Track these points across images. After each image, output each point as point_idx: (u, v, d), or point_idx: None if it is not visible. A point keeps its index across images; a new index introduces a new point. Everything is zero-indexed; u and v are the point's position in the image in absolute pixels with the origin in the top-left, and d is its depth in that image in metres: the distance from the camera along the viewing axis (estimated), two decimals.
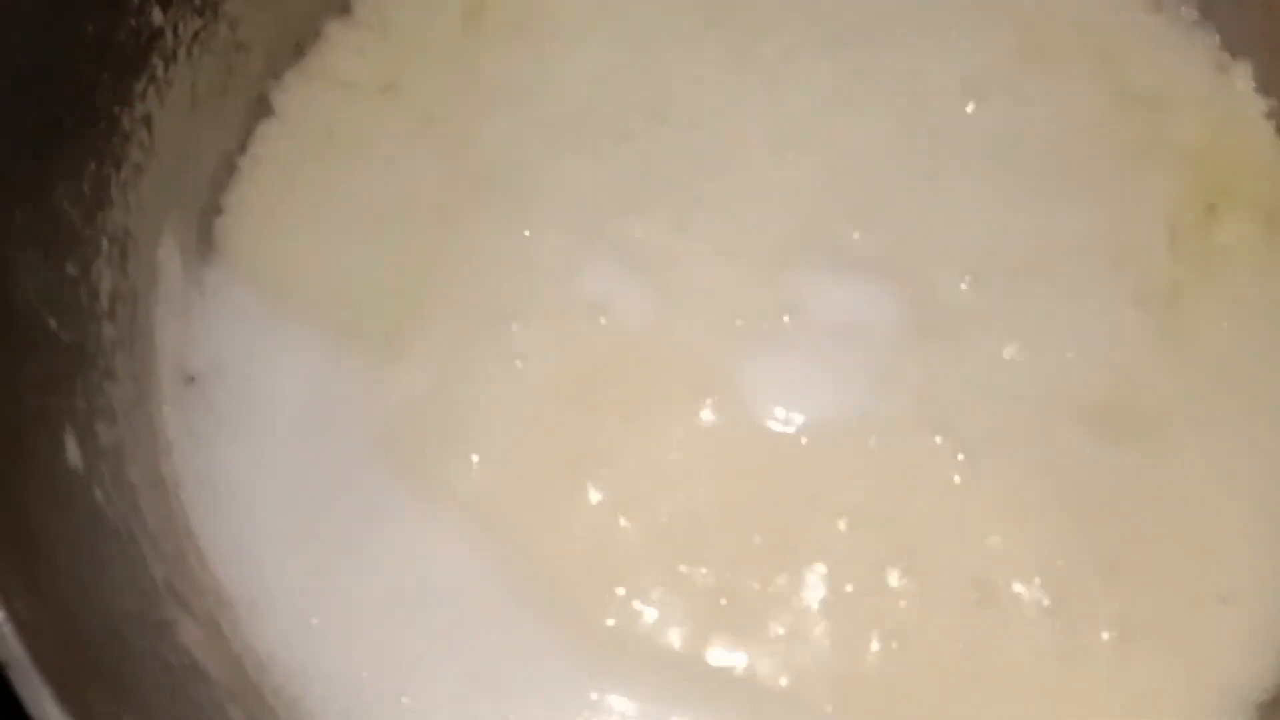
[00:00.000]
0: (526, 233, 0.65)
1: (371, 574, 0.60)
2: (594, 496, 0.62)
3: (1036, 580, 0.61)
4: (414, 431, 0.62)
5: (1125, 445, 0.64)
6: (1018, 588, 0.61)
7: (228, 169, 0.66)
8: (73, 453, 0.50)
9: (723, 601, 0.60)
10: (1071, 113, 0.68)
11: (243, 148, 0.67)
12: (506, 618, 0.60)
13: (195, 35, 0.61)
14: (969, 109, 0.68)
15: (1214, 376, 0.65)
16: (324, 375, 0.63)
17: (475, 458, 0.61)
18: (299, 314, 0.64)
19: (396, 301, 0.64)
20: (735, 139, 0.68)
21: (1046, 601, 0.61)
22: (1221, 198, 0.68)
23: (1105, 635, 0.61)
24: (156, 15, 0.59)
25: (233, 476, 0.61)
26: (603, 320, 0.64)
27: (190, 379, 0.62)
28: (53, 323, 0.52)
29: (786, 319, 0.64)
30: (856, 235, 0.65)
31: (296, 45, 0.68)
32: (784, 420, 0.63)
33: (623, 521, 0.62)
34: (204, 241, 0.65)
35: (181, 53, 0.61)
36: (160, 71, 0.60)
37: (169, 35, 0.60)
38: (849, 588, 0.61)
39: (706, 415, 0.63)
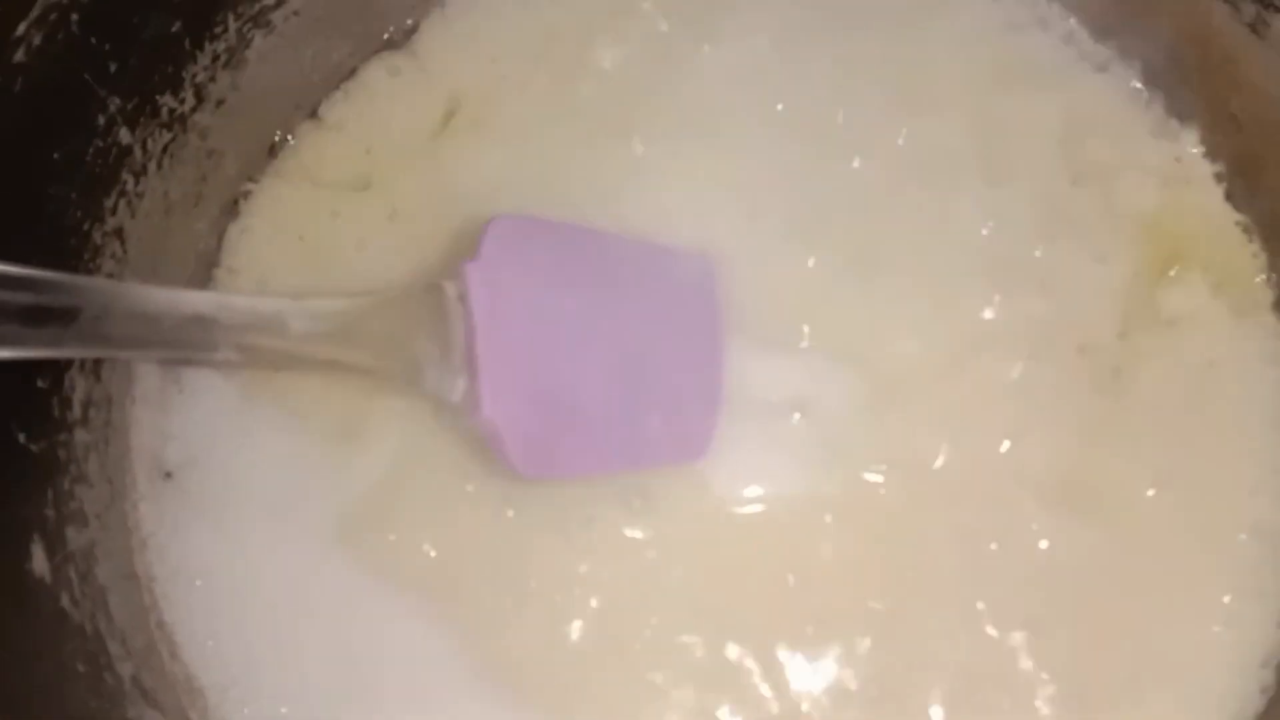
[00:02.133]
0: None
1: (340, 661, 0.63)
2: (553, 580, 0.64)
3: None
4: (372, 518, 0.64)
5: (1085, 521, 0.65)
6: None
7: (205, 269, 0.69)
8: (39, 562, 0.53)
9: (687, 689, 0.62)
10: (1024, 187, 0.70)
11: (218, 249, 0.70)
12: (471, 703, 0.62)
13: (165, 148, 0.64)
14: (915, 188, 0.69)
15: (1169, 442, 0.66)
16: (293, 462, 0.66)
17: (429, 546, 0.63)
18: (271, 403, 0.67)
19: (357, 388, 0.67)
20: None
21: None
22: (1173, 264, 0.69)
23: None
24: (124, 135, 0.61)
25: (206, 567, 0.64)
26: None
27: (168, 474, 0.65)
28: (21, 436, 0.55)
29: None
30: (806, 328, 0.67)
31: (270, 148, 0.71)
32: (744, 500, 0.65)
33: (591, 602, 0.64)
34: None
35: (152, 166, 0.64)
36: (130, 185, 0.62)
37: (138, 152, 0.62)
38: (819, 680, 0.63)
39: (664, 502, 0.65)
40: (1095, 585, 0.64)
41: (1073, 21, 0.71)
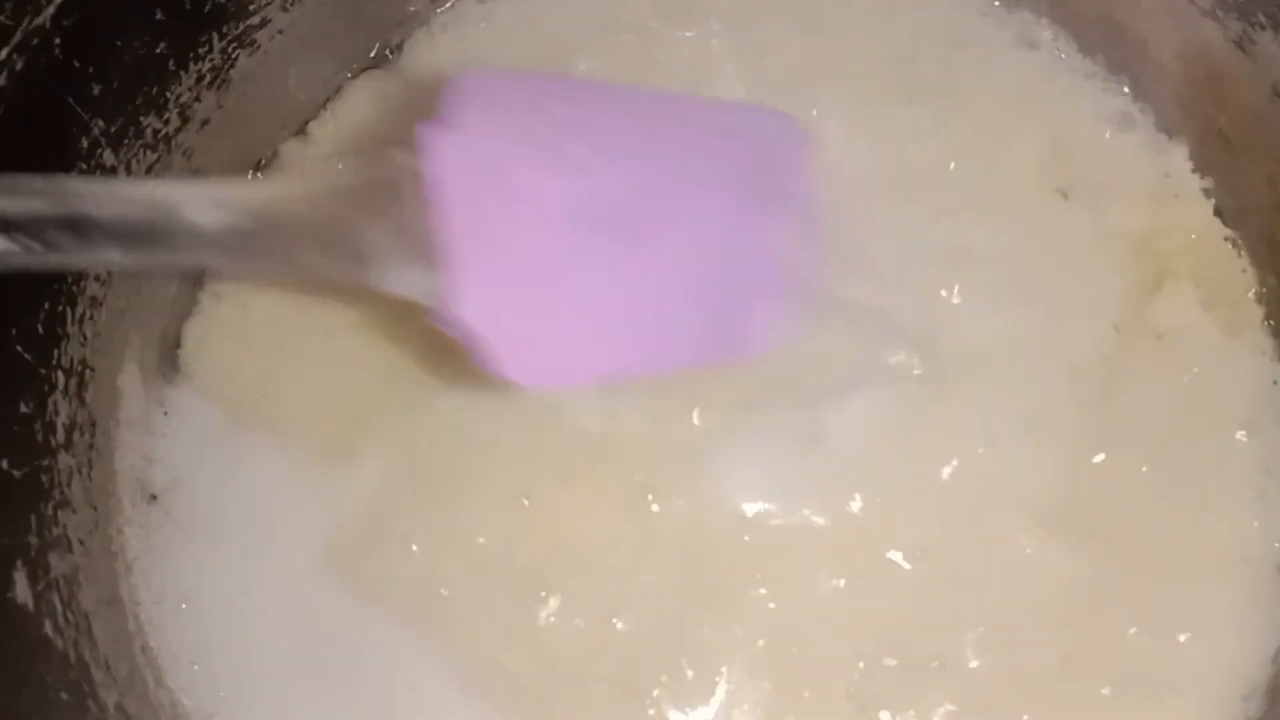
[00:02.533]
0: None
1: (327, 684, 0.62)
2: (545, 595, 0.63)
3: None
4: (360, 539, 0.64)
5: (1076, 538, 0.65)
6: None
7: (190, 289, 0.69)
8: (21, 589, 0.53)
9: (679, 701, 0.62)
10: (1012, 202, 0.69)
11: (204, 267, 0.70)
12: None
13: (149, 169, 0.64)
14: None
15: (1158, 460, 0.66)
16: (279, 484, 0.65)
17: (417, 567, 0.63)
18: (257, 425, 0.66)
19: (348, 412, 0.66)
20: None
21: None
22: (1162, 280, 0.68)
23: None
24: (108, 156, 0.61)
25: (192, 590, 0.64)
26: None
27: (153, 497, 0.65)
28: (3, 463, 0.54)
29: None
30: None
31: (256, 166, 0.71)
32: (736, 518, 0.65)
33: (576, 621, 0.63)
34: (166, 362, 0.67)
35: None
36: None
37: (122, 173, 0.62)
38: (806, 693, 0.63)
39: (658, 512, 0.65)
40: (1085, 604, 0.64)
41: (1060, 37, 0.71)
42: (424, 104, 0.68)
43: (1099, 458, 0.66)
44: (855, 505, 0.65)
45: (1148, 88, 0.70)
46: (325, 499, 0.65)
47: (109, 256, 0.44)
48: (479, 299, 0.48)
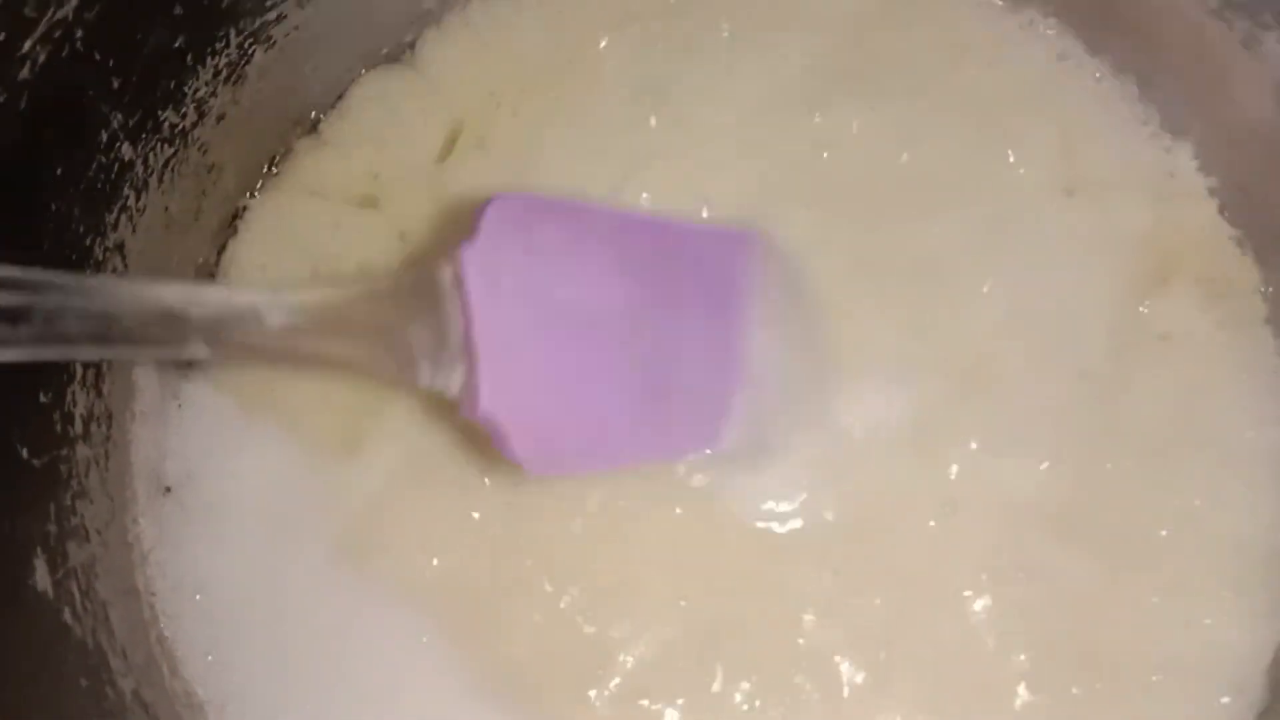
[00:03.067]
0: None
1: (338, 674, 0.63)
2: (553, 593, 0.64)
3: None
4: (371, 531, 0.64)
5: (1083, 546, 0.65)
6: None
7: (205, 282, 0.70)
8: (41, 576, 0.53)
9: (680, 702, 0.62)
10: (1018, 201, 0.70)
11: (218, 263, 0.70)
12: (470, 714, 0.62)
13: (166, 163, 0.64)
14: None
15: (1164, 460, 0.67)
16: (291, 477, 0.66)
17: (428, 558, 0.64)
18: (269, 418, 0.67)
19: (356, 401, 0.67)
20: None
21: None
22: (1167, 278, 0.69)
23: None
24: (126, 150, 0.62)
25: (206, 581, 0.64)
26: None
27: (167, 489, 0.65)
28: (24, 451, 0.55)
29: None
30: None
31: (270, 162, 0.72)
32: (746, 524, 0.65)
33: (585, 626, 0.64)
34: None
35: (153, 181, 0.64)
36: (132, 201, 0.63)
37: (139, 167, 0.63)
38: (815, 694, 0.63)
39: (676, 516, 0.65)
40: (1092, 606, 0.65)
41: (1067, 37, 0.71)
42: (441, 107, 0.71)
43: (1104, 459, 0.66)
44: (862, 506, 0.65)
45: (1154, 87, 0.71)
46: (336, 492, 0.65)
47: (196, 353, 0.49)
48: (503, 397, 0.55)
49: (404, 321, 0.55)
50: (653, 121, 0.70)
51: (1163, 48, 0.69)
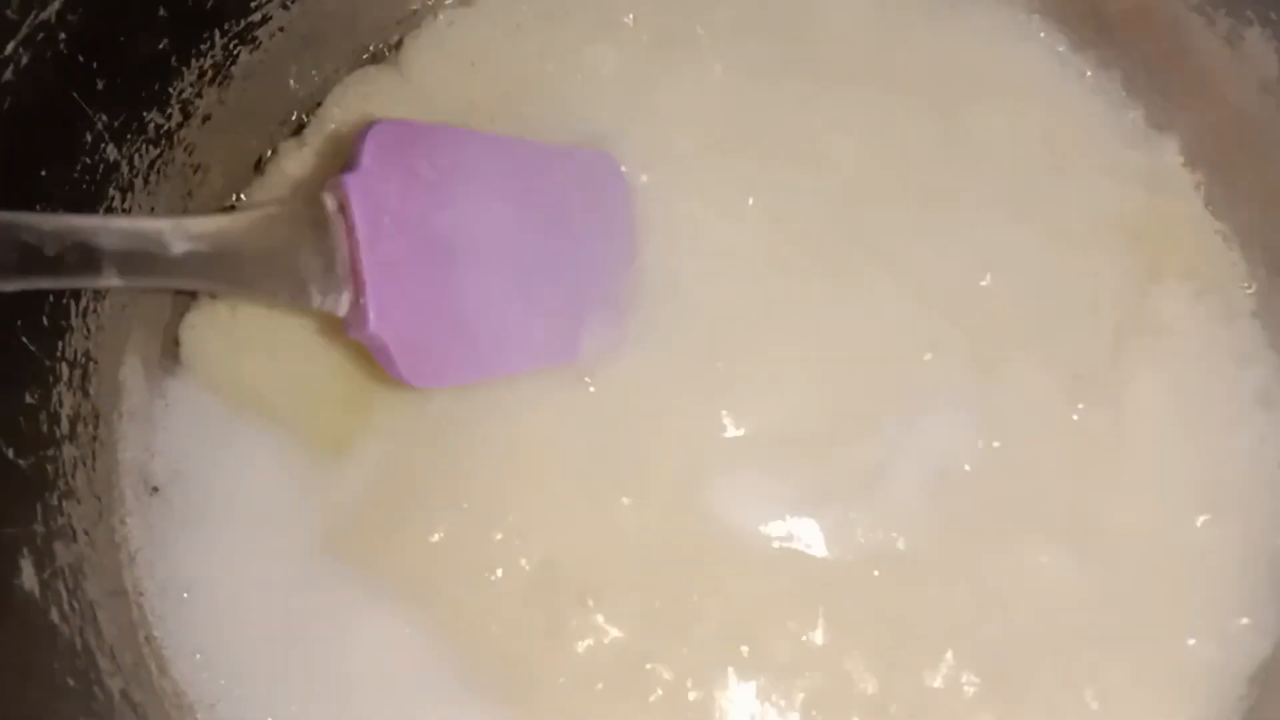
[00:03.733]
0: None
1: (328, 672, 0.63)
2: (543, 588, 0.64)
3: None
4: (359, 528, 0.64)
5: (1081, 541, 0.65)
6: None
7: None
8: (28, 577, 0.53)
9: (659, 693, 0.62)
10: (1005, 198, 0.70)
11: None
12: (459, 710, 0.63)
13: (152, 164, 0.64)
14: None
15: (1160, 465, 0.67)
16: (279, 475, 0.66)
17: (415, 556, 0.64)
18: (255, 416, 0.67)
19: (347, 402, 0.67)
20: None
21: None
22: (1156, 273, 0.69)
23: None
24: (111, 151, 0.61)
25: (194, 581, 0.64)
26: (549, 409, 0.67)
27: (154, 489, 0.65)
28: (10, 452, 0.55)
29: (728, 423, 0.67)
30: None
31: (256, 163, 0.72)
32: (745, 531, 0.65)
33: (576, 615, 0.64)
34: (168, 354, 0.68)
35: (138, 182, 0.64)
36: (118, 202, 0.63)
37: (125, 168, 0.63)
38: (800, 694, 0.63)
39: (662, 507, 0.65)
40: (1088, 604, 0.65)
41: (1052, 34, 0.72)
42: (424, 108, 0.71)
43: (1101, 458, 0.66)
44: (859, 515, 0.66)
45: (1139, 84, 0.71)
46: (323, 489, 0.65)
47: (110, 280, 0.51)
48: (388, 319, 0.59)
49: (295, 247, 0.58)
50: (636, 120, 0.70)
51: (1147, 44, 0.70)
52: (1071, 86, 0.72)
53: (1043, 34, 0.72)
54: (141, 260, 0.52)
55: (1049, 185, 0.70)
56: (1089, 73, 0.72)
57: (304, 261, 0.57)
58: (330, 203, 0.58)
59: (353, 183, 0.58)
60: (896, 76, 0.72)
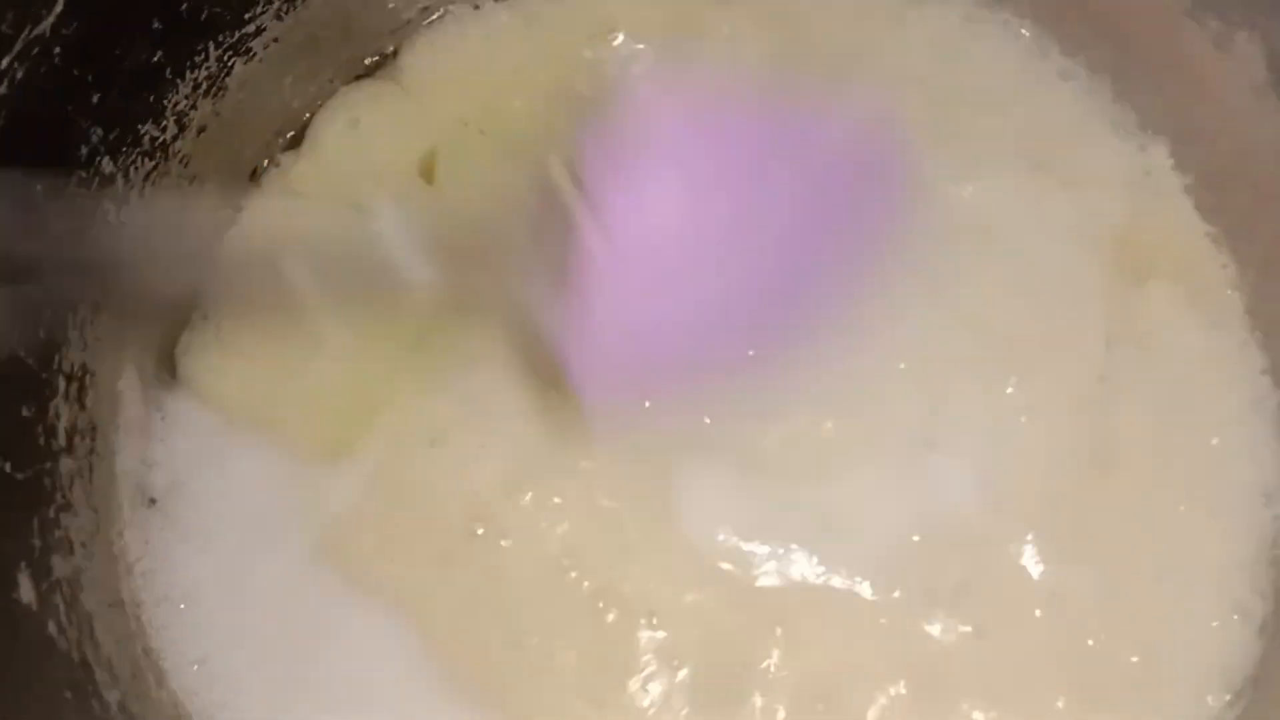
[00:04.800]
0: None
1: (324, 681, 0.63)
2: (539, 598, 0.64)
3: None
4: (355, 538, 0.64)
5: (1072, 555, 0.65)
6: None
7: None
8: (26, 590, 0.53)
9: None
10: (994, 199, 0.70)
11: None
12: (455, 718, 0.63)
13: (147, 176, 0.64)
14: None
15: (1153, 465, 0.66)
16: (273, 485, 0.66)
17: (411, 564, 0.64)
18: (251, 427, 0.67)
19: (344, 412, 0.67)
20: None
21: None
22: (1145, 276, 0.69)
23: None
24: (107, 164, 0.62)
25: (191, 592, 0.64)
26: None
27: (152, 500, 0.65)
28: (7, 465, 0.55)
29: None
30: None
31: (252, 174, 0.72)
32: (727, 549, 0.64)
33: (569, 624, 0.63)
34: (164, 368, 0.68)
35: (134, 195, 0.64)
36: (113, 215, 0.62)
37: (120, 181, 0.63)
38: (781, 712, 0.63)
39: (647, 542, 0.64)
40: (1085, 614, 0.64)
41: (1042, 37, 0.72)
42: (421, 117, 0.71)
43: (1093, 468, 0.66)
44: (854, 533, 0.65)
45: (1128, 87, 0.71)
46: (319, 498, 0.65)
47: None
48: (593, 343, 0.51)
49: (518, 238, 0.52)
50: None
51: (1137, 47, 0.70)
52: (1061, 89, 0.72)
53: (1033, 39, 0.72)
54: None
55: (1037, 189, 0.70)
56: (1079, 77, 0.72)
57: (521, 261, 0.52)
58: (575, 202, 0.50)
59: (615, 193, 0.49)
60: (886, 81, 0.71)
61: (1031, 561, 0.65)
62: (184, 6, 0.63)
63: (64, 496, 0.59)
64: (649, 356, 0.53)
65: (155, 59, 0.62)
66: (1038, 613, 0.64)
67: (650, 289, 0.51)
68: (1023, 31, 0.72)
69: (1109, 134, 0.72)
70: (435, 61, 0.72)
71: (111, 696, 0.56)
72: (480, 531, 0.64)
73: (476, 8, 0.73)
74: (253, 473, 0.66)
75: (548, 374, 0.60)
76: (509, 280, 0.52)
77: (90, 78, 0.59)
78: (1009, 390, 0.67)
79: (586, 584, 0.63)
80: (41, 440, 0.58)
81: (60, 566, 0.57)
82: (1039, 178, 0.71)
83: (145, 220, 0.54)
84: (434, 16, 0.73)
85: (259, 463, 0.66)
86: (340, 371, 0.66)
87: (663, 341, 0.52)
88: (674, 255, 0.50)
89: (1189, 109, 0.69)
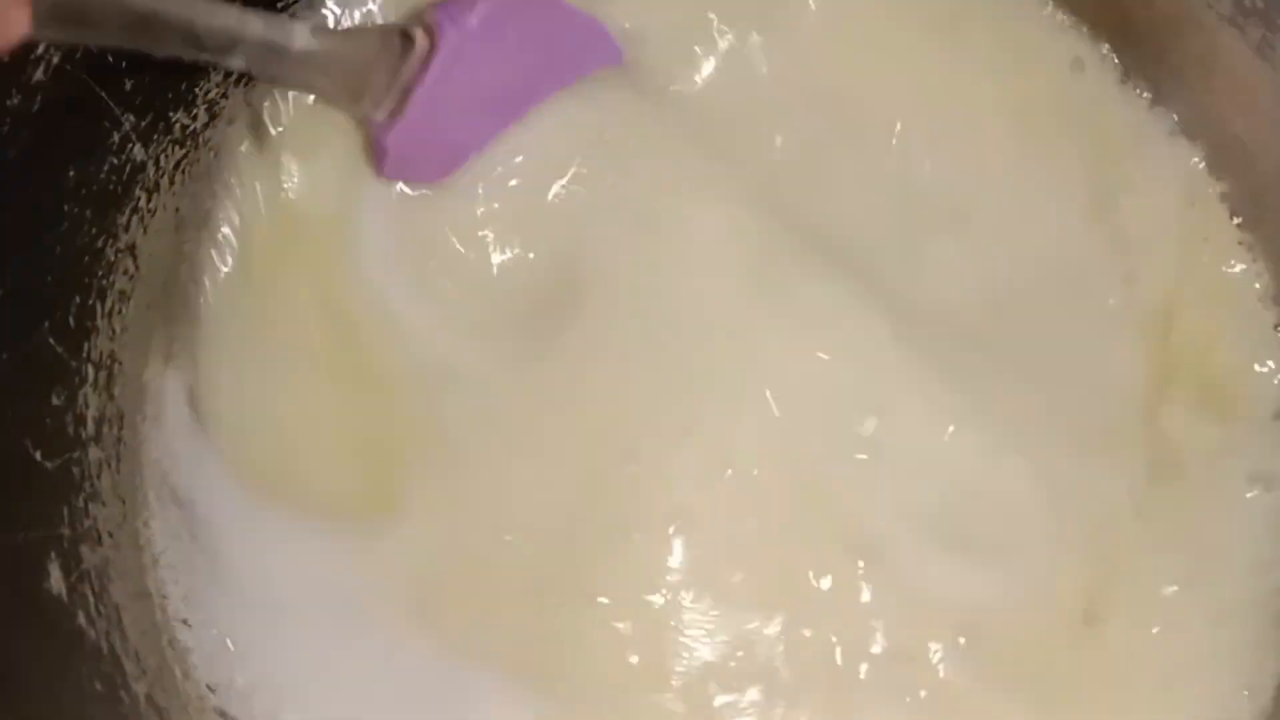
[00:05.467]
0: None
1: (346, 665, 0.62)
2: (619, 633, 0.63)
3: None
4: (384, 525, 0.64)
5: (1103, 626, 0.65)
6: None
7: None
8: (56, 580, 0.53)
9: None
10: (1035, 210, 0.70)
11: None
12: None
13: (178, 164, 0.64)
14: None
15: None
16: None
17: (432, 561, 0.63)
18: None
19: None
20: None
21: None
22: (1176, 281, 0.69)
23: None
24: (138, 152, 0.61)
25: (216, 584, 0.64)
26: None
27: (176, 494, 0.65)
28: (37, 454, 0.55)
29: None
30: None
31: None
32: None
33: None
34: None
35: (164, 182, 0.64)
36: (144, 202, 0.62)
37: (151, 169, 0.62)
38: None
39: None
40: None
41: (1082, 43, 0.71)
42: None
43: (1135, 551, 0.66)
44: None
45: (1166, 93, 0.71)
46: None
47: (234, 62, 0.59)
48: (404, 154, 0.65)
49: (374, 62, 0.64)
50: None
51: (1175, 54, 0.69)
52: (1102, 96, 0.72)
53: (1071, 43, 0.71)
54: (269, 49, 0.59)
55: (1078, 196, 0.70)
56: (1114, 82, 0.72)
57: (374, 76, 0.63)
58: (421, 41, 0.63)
59: (448, 38, 0.62)
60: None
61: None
62: None
63: (92, 486, 0.58)
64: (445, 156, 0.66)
65: None
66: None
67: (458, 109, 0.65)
68: (1064, 37, 0.71)
69: (1146, 140, 0.71)
70: None
71: (139, 689, 0.56)
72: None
73: None
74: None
75: None
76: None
77: (124, 64, 0.58)
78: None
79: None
80: (71, 429, 0.58)
81: (89, 557, 0.56)
82: (1083, 186, 0.70)
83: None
84: None
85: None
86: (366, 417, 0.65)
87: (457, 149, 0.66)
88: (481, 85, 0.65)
89: (1227, 117, 0.69)
